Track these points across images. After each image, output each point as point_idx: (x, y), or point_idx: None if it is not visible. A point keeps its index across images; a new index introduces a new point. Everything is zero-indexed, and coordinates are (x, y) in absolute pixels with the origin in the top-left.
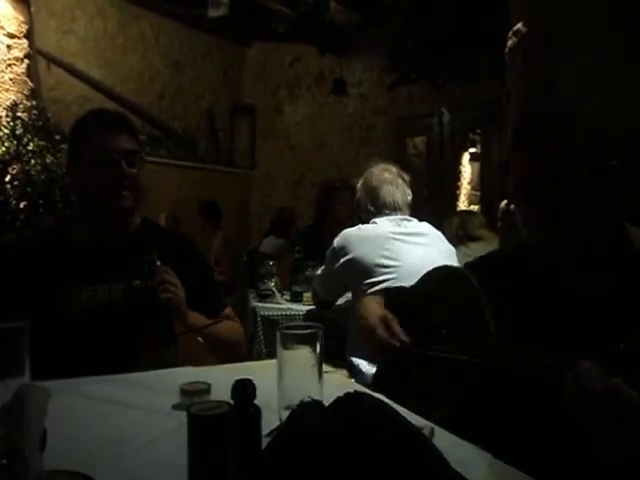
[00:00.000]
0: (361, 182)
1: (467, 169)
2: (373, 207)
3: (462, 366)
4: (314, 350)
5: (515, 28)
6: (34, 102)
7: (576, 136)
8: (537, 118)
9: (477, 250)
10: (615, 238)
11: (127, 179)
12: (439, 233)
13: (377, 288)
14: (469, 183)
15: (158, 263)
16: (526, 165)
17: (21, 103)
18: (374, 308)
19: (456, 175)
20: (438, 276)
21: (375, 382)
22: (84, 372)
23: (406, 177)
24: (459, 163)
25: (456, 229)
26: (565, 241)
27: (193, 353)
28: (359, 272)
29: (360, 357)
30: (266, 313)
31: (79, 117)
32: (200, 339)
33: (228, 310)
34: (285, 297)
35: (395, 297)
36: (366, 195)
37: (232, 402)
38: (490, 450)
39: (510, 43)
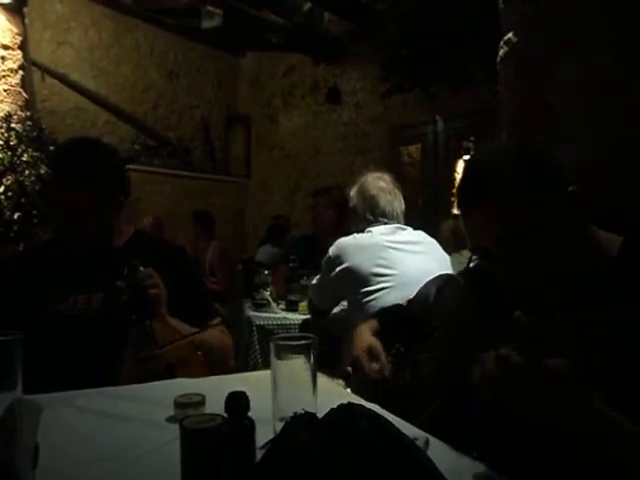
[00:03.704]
0: (356, 190)
1: None
2: (372, 216)
3: (448, 363)
4: (308, 360)
5: (506, 37)
6: (28, 113)
7: (518, 188)
8: (471, 180)
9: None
10: (586, 255)
11: (75, 231)
12: (434, 241)
13: (373, 297)
14: None
15: (141, 268)
16: (475, 232)
17: (15, 114)
18: (364, 337)
19: (451, 182)
20: (437, 284)
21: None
22: (72, 380)
23: (398, 185)
24: (454, 170)
25: (450, 234)
26: (535, 282)
27: (185, 362)
28: (355, 281)
29: None
30: (261, 322)
31: (56, 149)
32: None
33: (217, 321)
34: (280, 306)
35: (390, 316)
36: (363, 204)
37: (226, 415)
38: (472, 446)
39: (502, 52)
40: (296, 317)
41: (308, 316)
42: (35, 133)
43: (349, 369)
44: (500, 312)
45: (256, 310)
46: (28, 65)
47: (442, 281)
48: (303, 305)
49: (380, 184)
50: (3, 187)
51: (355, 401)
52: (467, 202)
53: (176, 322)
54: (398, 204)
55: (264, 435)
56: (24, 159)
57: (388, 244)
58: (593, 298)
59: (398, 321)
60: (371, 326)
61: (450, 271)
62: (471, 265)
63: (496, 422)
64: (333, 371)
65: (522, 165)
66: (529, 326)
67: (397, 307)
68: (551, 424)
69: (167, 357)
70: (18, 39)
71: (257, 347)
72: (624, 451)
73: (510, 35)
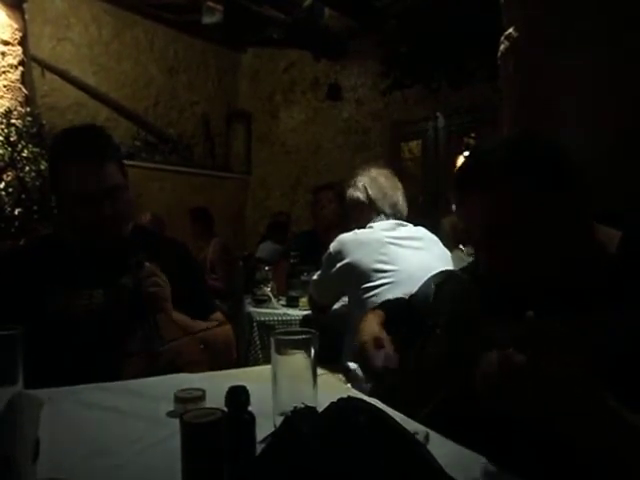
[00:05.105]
0: (368, 185)
1: None
2: (391, 209)
3: (448, 360)
4: (309, 355)
5: (507, 32)
6: (28, 109)
7: (516, 178)
8: (470, 168)
9: (471, 253)
10: (583, 249)
11: (108, 217)
12: (434, 237)
13: (374, 293)
14: None
15: (147, 263)
16: (468, 220)
17: (15, 110)
18: (372, 325)
19: (451, 179)
20: (437, 280)
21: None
22: (73, 375)
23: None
24: (454, 167)
25: (450, 230)
26: (527, 278)
27: (187, 359)
28: (356, 277)
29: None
30: (262, 318)
31: (57, 137)
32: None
33: (218, 314)
34: (281, 302)
35: (395, 308)
36: (383, 199)
37: (226, 409)
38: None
39: (502, 47)
40: (297, 313)
41: (309, 312)
42: (35, 129)
43: (349, 364)
44: (502, 309)
45: (257, 306)
46: (28, 61)
47: (442, 277)
48: (304, 301)
49: (393, 181)
50: (3, 183)
51: (355, 396)
52: (464, 190)
53: (182, 317)
54: (402, 200)
55: (264, 429)
56: (24, 155)
57: (389, 240)
58: (592, 296)
59: (400, 316)
60: (378, 316)
61: (451, 267)
62: (471, 262)
63: (497, 419)
64: (333, 366)
65: (521, 159)
66: (537, 326)
67: (400, 300)
68: (556, 426)
69: (172, 353)
70: (18, 35)
71: (257, 343)
72: (631, 448)
73: (511, 30)
